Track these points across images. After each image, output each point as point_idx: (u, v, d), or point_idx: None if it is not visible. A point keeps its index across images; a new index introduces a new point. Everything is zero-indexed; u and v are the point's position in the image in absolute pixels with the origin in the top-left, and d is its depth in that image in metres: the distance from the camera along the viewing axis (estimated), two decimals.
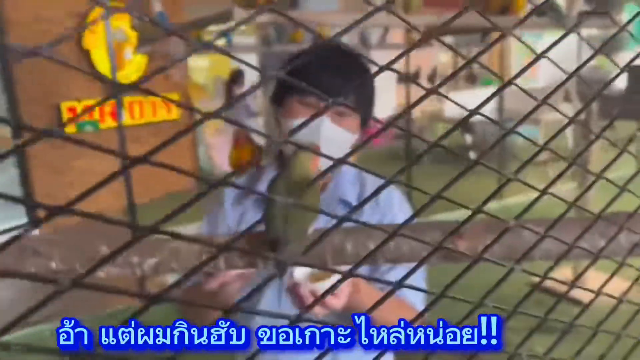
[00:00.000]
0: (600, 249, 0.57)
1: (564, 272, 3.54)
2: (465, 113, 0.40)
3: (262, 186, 1.16)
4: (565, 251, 0.54)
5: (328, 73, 1.02)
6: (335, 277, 0.91)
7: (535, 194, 0.49)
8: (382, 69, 0.34)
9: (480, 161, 0.42)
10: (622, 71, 0.54)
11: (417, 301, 1.11)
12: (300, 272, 0.94)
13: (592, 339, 0.60)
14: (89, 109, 0.21)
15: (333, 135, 1.05)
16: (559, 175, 0.62)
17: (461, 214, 0.52)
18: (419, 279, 1.11)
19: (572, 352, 0.76)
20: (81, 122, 5.88)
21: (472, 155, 7.20)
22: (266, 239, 0.72)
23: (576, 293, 3.24)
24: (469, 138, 7.47)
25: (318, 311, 0.89)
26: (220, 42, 4.74)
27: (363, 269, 1.10)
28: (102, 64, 5.92)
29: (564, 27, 0.48)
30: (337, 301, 0.90)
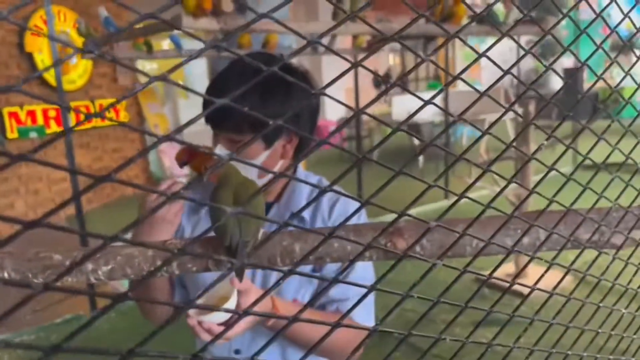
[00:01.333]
0: (515, 244, 0.62)
1: (507, 267, 3.69)
2: (419, 114, 0.44)
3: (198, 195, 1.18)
4: (482, 247, 0.59)
5: (226, 96, 0.99)
6: (232, 304, 0.90)
7: (478, 194, 0.54)
8: (331, 82, 0.37)
9: (404, 171, 0.46)
10: (546, 70, 0.59)
11: (358, 311, 1.04)
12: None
13: (529, 328, 0.65)
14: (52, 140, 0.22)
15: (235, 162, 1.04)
16: (474, 182, 0.67)
17: (412, 213, 0.56)
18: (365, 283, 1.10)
19: (514, 341, 0.82)
20: (25, 127, 5.69)
21: (421, 157, 7.35)
22: (219, 244, 0.75)
23: (517, 286, 3.37)
24: (416, 141, 7.65)
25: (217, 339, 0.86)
26: (169, 47, 4.68)
27: (310, 294, 1.08)
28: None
29: (501, 32, 0.53)
30: (231, 331, 0.87)
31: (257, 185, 0.87)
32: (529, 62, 11.72)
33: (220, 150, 1.02)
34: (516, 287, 3.37)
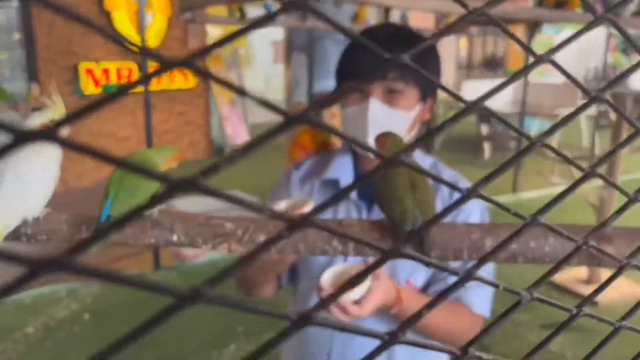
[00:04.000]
0: None
1: (578, 272, 3.53)
2: (488, 103, 0.37)
3: (332, 170, 1.13)
4: None
5: (374, 53, 0.98)
6: (365, 286, 0.89)
7: (552, 190, 0.47)
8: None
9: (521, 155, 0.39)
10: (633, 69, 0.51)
11: (476, 300, 1.06)
12: (326, 275, 0.92)
13: (595, 337, 0.58)
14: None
15: (382, 117, 1.02)
16: (582, 178, 0.60)
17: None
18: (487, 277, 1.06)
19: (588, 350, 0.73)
20: (107, 85, 5.85)
21: (487, 146, 7.13)
22: (383, 228, 0.68)
23: (585, 290, 3.23)
24: (484, 129, 7.40)
25: (343, 318, 0.86)
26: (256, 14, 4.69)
27: (422, 276, 1.07)
28: (123, 27, 5.87)
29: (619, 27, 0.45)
30: (360, 311, 0.86)
31: (425, 168, 0.80)
32: (606, 57, 11.08)
33: (375, 103, 1.03)
34: (585, 292, 3.20)
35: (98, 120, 5.79)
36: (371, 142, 0.98)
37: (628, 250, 0.52)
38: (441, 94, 8.85)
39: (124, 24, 5.87)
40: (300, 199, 0.93)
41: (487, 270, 1.08)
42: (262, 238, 0.58)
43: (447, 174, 1.12)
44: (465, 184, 1.09)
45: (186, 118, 7.02)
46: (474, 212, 1.07)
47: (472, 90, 8.05)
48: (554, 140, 6.21)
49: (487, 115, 7.17)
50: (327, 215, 1.06)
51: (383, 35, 1.06)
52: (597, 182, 4.23)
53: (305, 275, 1.14)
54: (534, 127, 8.31)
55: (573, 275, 3.46)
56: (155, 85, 6.48)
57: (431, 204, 0.71)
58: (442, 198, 1.08)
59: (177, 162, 0.76)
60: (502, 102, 7.20)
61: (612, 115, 3.45)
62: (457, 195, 0.96)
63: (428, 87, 1.07)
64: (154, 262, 3.62)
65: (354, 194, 1.08)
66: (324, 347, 1.09)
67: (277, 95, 8.67)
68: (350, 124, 1.06)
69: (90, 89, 5.71)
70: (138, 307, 1.91)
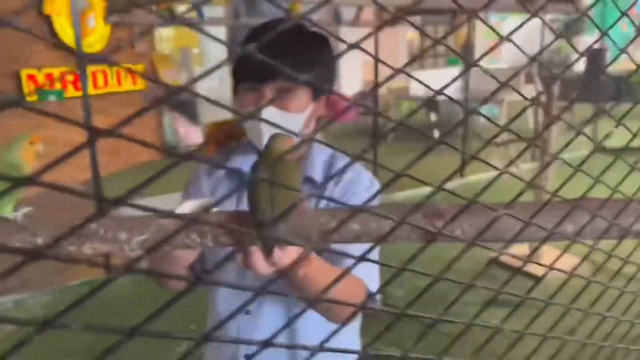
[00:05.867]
0: (554, 228, 0.62)
1: (522, 249, 3.68)
2: (430, 91, 0.43)
3: (237, 161, 1.17)
4: (519, 230, 0.58)
5: (268, 53, 1.00)
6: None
7: (496, 173, 0.53)
8: (350, 47, 0.36)
9: (443, 140, 0.45)
10: (581, 55, 0.58)
11: (368, 279, 1.08)
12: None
13: (544, 312, 0.65)
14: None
15: (274, 119, 1.02)
16: (518, 156, 0.67)
17: (425, 191, 0.55)
18: (373, 258, 1.10)
19: (526, 324, 0.82)
20: (45, 90, 5.72)
21: (437, 133, 7.30)
22: (252, 220, 0.73)
23: (532, 269, 3.38)
24: (433, 116, 7.57)
25: (264, 270, 0.83)
26: (191, 14, 4.65)
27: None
28: (64, 32, 5.75)
29: (529, 10, 0.51)
30: (284, 256, 0.83)
31: (297, 165, 0.84)
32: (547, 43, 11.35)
33: (269, 110, 1.04)
34: (531, 270, 3.36)
35: (48, 127, 5.67)
36: (266, 139, 1.03)
37: (462, 225, 0.59)
38: (393, 84, 8.94)
39: (64, 28, 5.75)
40: (206, 200, 0.94)
41: (372, 254, 1.09)
42: (124, 236, 0.61)
43: (342, 163, 1.15)
44: (363, 174, 1.14)
45: (138, 120, 6.90)
46: (362, 196, 1.11)
47: (425, 80, 8.19)
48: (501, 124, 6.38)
49: (434, 104, 7.30)
50: (231, 205, 1.11)
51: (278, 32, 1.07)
52: (535, 164, 4.43)
53: (213, 260, 1.18)
54: (485, 113, 8.54)
55: (518, 253, 3.62)
56: (102, 88, 6.38)
57: (286, 197, 0.74)
58: (342, 188, 1.12)
59: (39, 144, 0.76)
60: (450, 90, 7.38)
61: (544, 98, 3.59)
62: (347, 176, 1.01)
63: (319, 87, 1.09)
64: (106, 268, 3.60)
65: None
66: (233, 327, 1.16)
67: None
68: (247, 123, 1.09)
69: (33, 95, 5.59)
70: (89, 316, 1.91)
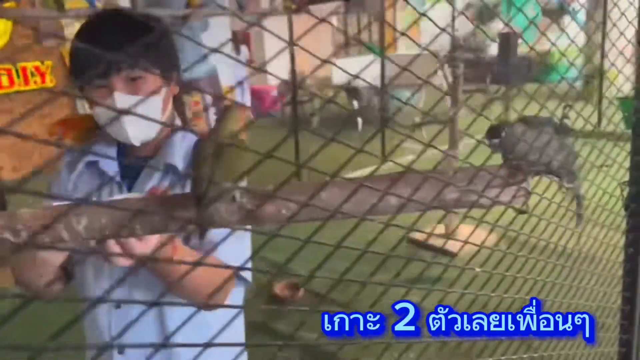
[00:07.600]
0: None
1: (438, 228, 3.78)
2: (352, 80, 0.43)
3: (99, 152, 1.17)
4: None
5: (107, 44, 0.98)
6: None
7: (412, 158, 0.54)
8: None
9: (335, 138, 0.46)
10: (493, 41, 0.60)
11: (228, 257, 1.05)
12: None
13: (456, 283, 0.68)
14: None
15: (130, 104, 1.00)
16: (433, 138, 0.69)
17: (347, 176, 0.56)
18: (244, 245, 1.13)
19: (449, 298, 0.85)
20: None
21: (359, 119, 7.40)
22: (184, 200, 0.72)
23: (448, 246, 3.51)
24: (356, 103, 7.67)
25: (124, 261, 0.86)
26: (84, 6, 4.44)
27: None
28: None
29: None
30: (142, 245, 0.86)
31: (244, 141, 0.81)
32: (467, 27, 11.85)
33: (120, 96, 1.04)
34: (447, 247, 3.49)
35: None
36: (130, 130, 1.06)
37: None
38: (318, 73, 8.97)
39: None
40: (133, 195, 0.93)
41: (244, 243, 1.14)
42: (8, 235, 0.59)
43: (190, 138, 1.17)
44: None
45: (51, 120, 6.57)
46: None
47: (346, 67, 8.25)
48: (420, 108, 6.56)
49: (354, 92, 7.40)
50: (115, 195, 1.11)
51: (111, 23, 1.06)
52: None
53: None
54: (404, 98, 8.73)
55: (433, 230, 3.75)
56: (7, 87, 6.01)
57: (227, 175, 0.72)
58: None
59: None
60: (371, 77, 7.50)
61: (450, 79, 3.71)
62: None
63: (168, 66, 1.12)
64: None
65: (118, 175, 1.14)
66: (105, 324, 1.15)
67: None
68: (106, 120, 1.08)
69: None
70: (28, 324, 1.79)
